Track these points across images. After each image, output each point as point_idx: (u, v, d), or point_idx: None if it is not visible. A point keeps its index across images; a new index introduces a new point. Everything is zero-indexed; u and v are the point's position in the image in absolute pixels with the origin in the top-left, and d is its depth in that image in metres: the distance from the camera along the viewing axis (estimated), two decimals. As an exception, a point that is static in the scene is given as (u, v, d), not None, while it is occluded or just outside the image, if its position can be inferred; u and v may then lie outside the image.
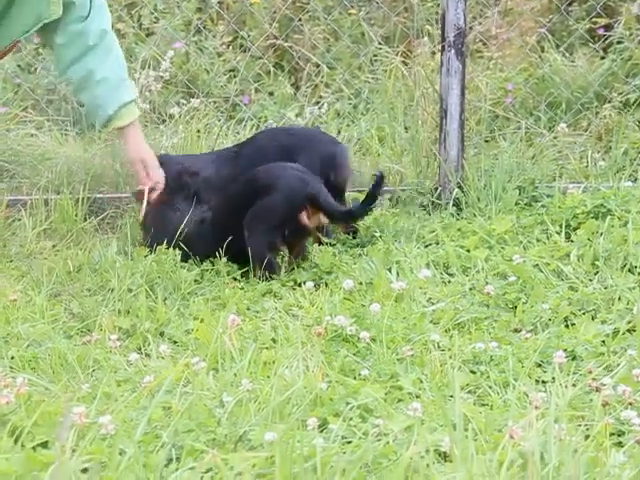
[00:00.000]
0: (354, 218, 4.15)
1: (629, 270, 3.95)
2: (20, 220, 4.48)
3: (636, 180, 4.83)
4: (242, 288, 3.89)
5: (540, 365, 3.21)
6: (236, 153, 4.48)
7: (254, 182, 4.08)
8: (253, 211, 4.00)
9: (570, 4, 6.15)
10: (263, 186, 4.03)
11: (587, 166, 4.98)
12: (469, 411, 2.76)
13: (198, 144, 4.97)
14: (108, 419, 2.63)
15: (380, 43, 5.91)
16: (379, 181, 4.06)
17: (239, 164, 4.39)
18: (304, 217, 3.97)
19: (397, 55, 5.68)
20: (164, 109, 5.38)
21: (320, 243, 4.18)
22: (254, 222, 3.99)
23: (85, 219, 4.50)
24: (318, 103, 5.64)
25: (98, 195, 4.69)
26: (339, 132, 5.39)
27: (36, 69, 5.59)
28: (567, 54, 5.79)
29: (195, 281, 3.91)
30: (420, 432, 2.60)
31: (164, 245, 4.02)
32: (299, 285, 3.90)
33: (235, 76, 5.80)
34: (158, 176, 4.08)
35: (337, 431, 2.65)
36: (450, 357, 3.20)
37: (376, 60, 5.90)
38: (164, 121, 5.29)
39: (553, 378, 3.03)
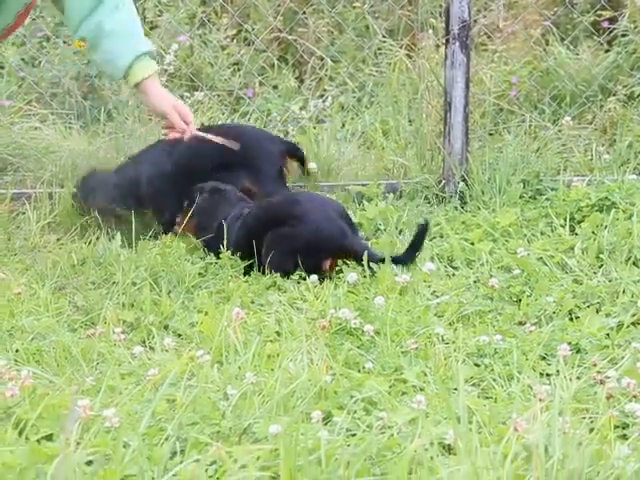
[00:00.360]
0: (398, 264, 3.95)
1: (633, 263, 3.95)
2: (24, 214, 4.48)
3: (641, 173, 4.83)
4: (246, 281, 3.89)
5: (544, 358, 3.21)
6: (169, 152, 4.47)
7: (295, 205, 4.01)
8: (282, 232, 3.94)
9: (575, -3, 6.14)
10: (300, 216, 3.95)
11: (592, 159, 4.98)
12: (473, 404, 2.76)
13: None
14: (112, 412, 2.63)
15: (384, 36, 5.90)
16: (423, 230, 3.94)
17: (174, 162, 4.41)
18: (327, 264, 3.92)
19: (401, 48, 5.67)
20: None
21: None
22: (278, 242, 3.94)
23: (89, 212, 4.49)
24: (322, 96, 5.64)
25: (102, 188, 4.69)
26: (343, 125, 5.39)
27: (40, 62, 5.58)
28: (572, 47, 5.77)
29: (199, 274, 3.91)
30: (424, 425, 2.60)
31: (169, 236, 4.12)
32: (303, 278, 3.89)
33: (239, 69, 5.79)
34: (191, 117, 3.93)
35: (341, 424, 2.65)
36: (454, 350, 3.20)
37: (380, 53, 5.90)
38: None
39: (557, 371, 3.03)
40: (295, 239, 3.92)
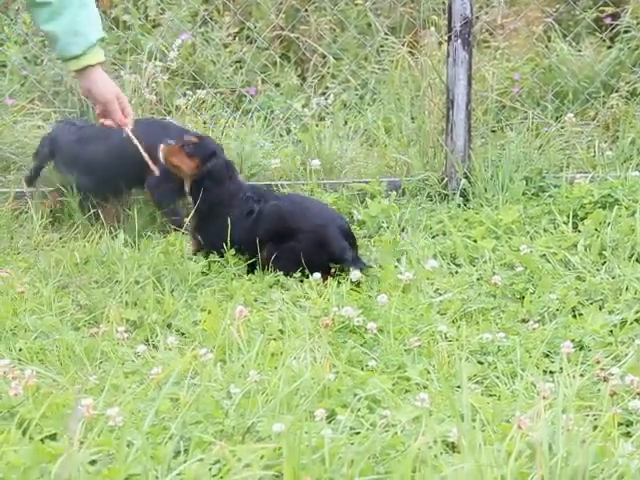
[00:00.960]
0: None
1: (637, 260, 3.94)
2: (27, 212, 4.48)
3: (643, 170, 4.82)
4: (249, 279, 3.89)
5: (548, 355, 3.21)
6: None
7: (304, 220, 4.03)
8: (289, 246, 3.95)
9: (577, -7, 6.13)
10: (307, 231, 3.99)
11: (594, 156, 4.97)
12: (477, 402, 2.76)
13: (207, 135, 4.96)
14: (116, 411, 2.63)
15: (386, 33, 5.90)
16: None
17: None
18: (328, 276, 3.92)
19: (403, 45, 5.67)
20: (170, 100, 5.38)
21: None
22: (284, 254, 3.95)
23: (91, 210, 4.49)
24: (324, 94, 5.64)
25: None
26: (346, 123, 5.39)
27: (42, 61, 5.58)
28: (574, 44, 5.77)
29: (202, 273, 3.91)
30: (428, 423, 2.60)
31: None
32: (306, 276, 3.89)
33: (241, 67, 5.79)
34: (130, 109, 3.77)
35: (345, 422, 2.65)
36: (457, 348, 3.20)
37: (382, 50, 5.89)
38: (170, 112, 5.29)
39: (561, 368, 3.03)
40: (300, 254, 3.93)
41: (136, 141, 3.82)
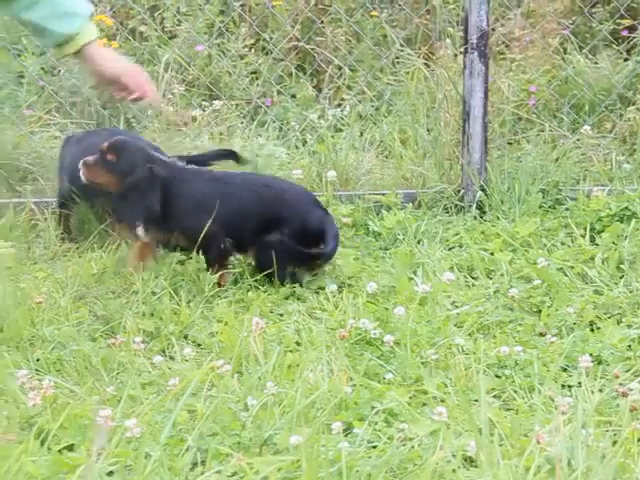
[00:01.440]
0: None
1: (655, 274, 3.93)
2: (45, 221, 4.49)
3: (661, 183, 4.80)
4: (265, 291, 3.89)
5: (566, 369, 3.20)
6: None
7: (284, 207, 4.01)
8: (273, 239, 3.94)
9: (593, 5, 6.12)
10: (289, 218, 3.98)
11: (611, 168, 4.96)
12: (495, 416, 2.75)
13: (221, 146, 4.97)
14: (134, 422, 2.63)
15: (402, 45, 5.90)
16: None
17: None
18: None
19: (419, 57, 5.67)
20: (187, 111, 5.39)
21: None
22: (267, 248, 3.94)
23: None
24: (340, 105, 5.64)
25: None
26: (361, 134, 5.39)
27: (60, 71, 5.60)
28: (590, 56, 5.76)
29: (218, 284, 3.91)
30: (446, 437, 2.59)
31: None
32: (322, 288, 3.89)
33: (257, 78, 5.80)
34: (144, 76, 3.35)
35: (362, 435, 2.64)
36: (475, 361, 3.18)
37: (398, 62, 5.90)
38: (186, 123, 5.30)
39: (579, 383, 3.01)
40: (285, 245, 3.94)
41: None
